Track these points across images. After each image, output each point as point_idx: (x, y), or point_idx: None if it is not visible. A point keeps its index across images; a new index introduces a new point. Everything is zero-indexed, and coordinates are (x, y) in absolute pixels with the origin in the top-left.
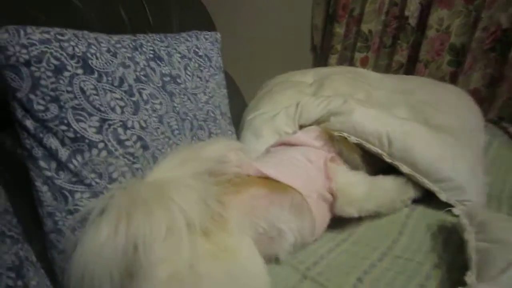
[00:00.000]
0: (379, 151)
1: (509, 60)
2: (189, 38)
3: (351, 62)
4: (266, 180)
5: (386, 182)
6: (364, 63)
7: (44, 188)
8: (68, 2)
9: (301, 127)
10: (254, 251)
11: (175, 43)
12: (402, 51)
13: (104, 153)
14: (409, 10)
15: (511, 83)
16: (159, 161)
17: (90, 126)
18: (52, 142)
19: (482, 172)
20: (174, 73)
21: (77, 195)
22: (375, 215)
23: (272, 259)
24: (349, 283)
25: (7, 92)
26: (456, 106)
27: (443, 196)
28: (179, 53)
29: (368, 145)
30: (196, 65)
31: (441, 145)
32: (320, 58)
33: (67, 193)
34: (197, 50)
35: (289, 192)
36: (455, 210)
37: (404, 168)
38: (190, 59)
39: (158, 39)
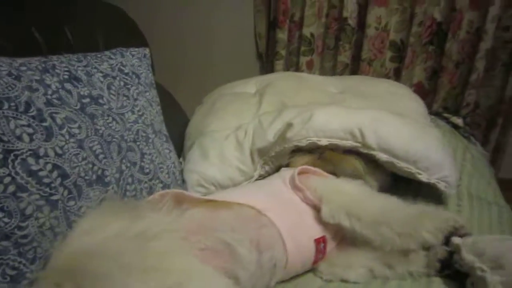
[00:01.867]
0: (354, 144)
1: (445, 52)
2: (112, 56)
3: (297, 67)
4: (207, 202)
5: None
6: (309, 67)
7: None
8: None
9: (259, 151)
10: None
11: (95, 62)
12: (345, 51)
13: (12, 188)
14: (348, 11)
15: (451, 74)
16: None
17: None
18: None
19: (449, 148)
20: (95, 94)
21: None
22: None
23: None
24: None
25: None
26: (400, 96)
27: (423, 177)
28: (101, 72)
29: (342, 142)
30: (122, 83)
31: (409, 127)
32: (267, 65)
33: None
34: (122, 67)
35: (234, 208)
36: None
37: (382, 156)
38: (114, 77)
39: (75, 59)
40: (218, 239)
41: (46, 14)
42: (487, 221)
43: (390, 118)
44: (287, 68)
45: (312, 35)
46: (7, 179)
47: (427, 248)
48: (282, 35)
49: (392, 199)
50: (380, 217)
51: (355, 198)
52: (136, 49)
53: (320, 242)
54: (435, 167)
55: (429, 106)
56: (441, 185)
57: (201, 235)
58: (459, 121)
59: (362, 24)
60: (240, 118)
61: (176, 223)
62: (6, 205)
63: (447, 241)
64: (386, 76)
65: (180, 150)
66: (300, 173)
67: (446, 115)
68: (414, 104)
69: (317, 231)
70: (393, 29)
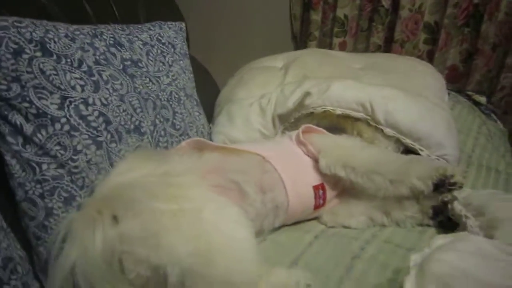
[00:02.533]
0: (365, 116)
1: (481, 34)
2: (152, 28)
3: (330, 47)
4: (222, 148)
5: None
6: (342, 48)
7: (13, 162)
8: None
9: (280, 117)
10: (221, 201)
11: (137, 31)
12: (378, 33)
13: (67, 127)
14: None
15: (487, 56)
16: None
17: (51, 103)
18: (17, 118)
19: (455, 129)
20: (135, 58)
21: (44, 166)
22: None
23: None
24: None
25: None
26: (420, 72)
27: (425, 153)
28: (141, 40)
29: (354, 113)
30: (159, 51)
31: (419, 106)
32: (300, 46)
33: (34, 165)
34: (160, 38)
35: (243, 154)
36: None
37: (388, 131)
38: (152, 46)
39: (120, 28)
40: (229, 178)
41: None
42: (492, 187)
43: (401, 96)
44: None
45: (345, 16)
46: (63, 120)
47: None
48: (316, 16)
49: (386, 151)
50: (373, 166)
51: (350, 151)
52: (173, 22)
53: (318, 189)
54: (436, 145)
55: (463, 88)
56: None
57: (215, 175)
58: (482, 98)
59: (396, 5)
60: (265, 88)
61: (195, 164)
62: (62, 141)
63: (437, 189)
64: (420, 58)
65: (211, 116)
66: (304, 132)
67: (469, 92)
68: (432, 81)
69: (316, 179)
70: (427, 11)
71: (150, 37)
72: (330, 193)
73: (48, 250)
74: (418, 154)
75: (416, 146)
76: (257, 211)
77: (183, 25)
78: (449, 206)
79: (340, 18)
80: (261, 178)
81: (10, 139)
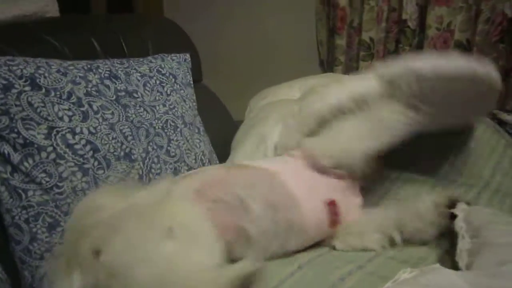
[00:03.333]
0: None
1: None
2: (153, 60)
3: (357, 72)
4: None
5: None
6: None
7: (2, 189)
8: (41, 39)
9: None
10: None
11: (136, 64)
12: (405, 54)
13: (53, 155)
14: (407, 13)
15: None
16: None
17: (38, 133)
18: (6, 148)
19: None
20: (131, 89)
21: (30, 193)
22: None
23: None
24: None
25: None
26: None
27: None
28: (140, 72)
29: None
30: (158, 82)
31: None
32: (327, 71)
33: (21, 191)
34: (160, 69)
35: (250, 168)
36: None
37: None
38: (151, 77)
39: (118, 62)
40: (232, 193)
41: (104, 26)
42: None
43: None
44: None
45: (371, 39)
46: (49, 149)
47: None
48: (340, 41)
49: None
50: None
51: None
52: (177, 54)
53: (331, 204)
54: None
55: (500, 108)
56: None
57: (215, 188)
58: (509, 117)
59: (422, 25)
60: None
61: (192, 176)
62: (48, 169)
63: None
64: None
65: (222, 145)
66: None
67: (495, 111)
68: None
69: (327, 195)
70: (457, 29)
71: (149, 69)
72: (343, 206)
73: (33, 275)
74: None
75: None
76: (261, 228)
77: (187, 56)
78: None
79: (365, 41)
80: (271, 194)
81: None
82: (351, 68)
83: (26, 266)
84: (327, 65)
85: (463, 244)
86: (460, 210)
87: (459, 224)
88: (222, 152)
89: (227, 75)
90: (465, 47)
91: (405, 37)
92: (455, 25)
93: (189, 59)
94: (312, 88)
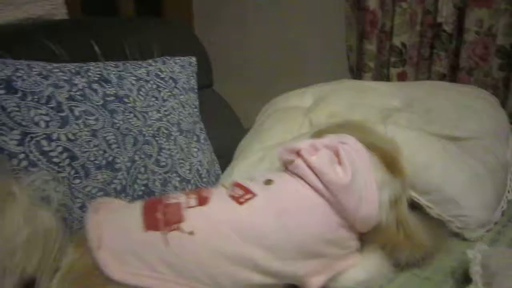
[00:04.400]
0: None
1: None
2: (153, 63)
3: (387, 79)
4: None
5: None
6: (402, 78)
7: None
8: (38, 42)
9: None
10: None
11: (133, 68)
12: (440, 60)
13: (24, 162)
14: (442, 16)
15: None
16: None
17: (11, 139)
18: None
19: (494, 187)
20: (122, 94)
21: None
22: None
23: None
24: None
25: None
26: (473, 111)
27: (433, 211)
28: (135, 76)
29: None
30: (154, 86)
31: (431, 152)
32: (357, 78)
33: None
34: (159, 73)
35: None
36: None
37: None
38: (147, 81)
39: (113, 65)
40: None
41: (108, 29)
42: None
43: (409, 139)
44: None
45: (403, 44)
46: (21, 156)
47: None
48: (369, 46)
49: None
50: None
51: None
52: (181, 58)
53: None
54: (448, 203)
55: None
56: (453, 224)
57: None
58: None
59: (460, 29)
60: (281, 138)
61: None
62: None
63: None
64: (494, 87)
65: (225, 149)
66: None
67: None
68: (488, 122)
69: None
70: (500, 32)
71: (147, 73)
72: None
73: None
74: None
75: (422, 201)
76: None
77: (193, 59)
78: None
79: (396, 46)
80: None
81: None
82: (381, 74)
83: None
84: (356, 72)
85: None
86: (477, 251)
87: (475, 268)
88: (229, 160)
89: (251, 81)
90: (509, 53)
91: (441, 42)
92: (497, 28)
93: (195, 62)
94: (323, 97)
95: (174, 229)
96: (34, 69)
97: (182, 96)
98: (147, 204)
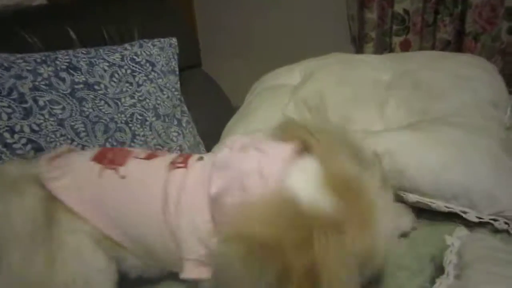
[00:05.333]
0: None
1: None
2: (128, 47)
3: (390, 49)
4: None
5: None
6: (405, 47)
7: None
8: (11, 31)
9: None
10: None
11: (105, 53)
12: (445, 26)
13: None
14: None
15: None
16: None
17: None
18: None
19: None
20: (92, 81)
21: None
22: None
23: None
24: None
25: None
26: (467, 80)
27: (471, 216)
28: (108, 62)
29: None
30: (128, 71)
31: (446, 147)
32: (359, 49)
33: None
34: (135, 57)
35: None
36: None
37: (410, 197)
38: (121, 66)
39: (84, 52)
40: None
41: (87, 14)
42: None
43: (416, 142)
44: (379, 51)
45: (405, 11)
46: None
47: None
48: (370, 14)
49: None
50: None
51: None
52: (161, 39)
53: None
54: (484, 200)
55: None
56: (499, 224)
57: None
58: None
59: None
60: (264, 123)
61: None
62: None
63: None
64: (502, 52)
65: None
66: None
67: None
68: (484, 92)
69: None
70: None
71: (121, 57)
72: None
73: None
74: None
75: (455, 208)
76: None
77: (174, 40)
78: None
79: (399, 13)
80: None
81: None
82: (383, 44)
83: None
84: (358, 42)
85: (445, 282)
86: (456, 237)
87: (449, 257)
88: (217, 141)
89: (249, 57)
90: None
91: (445, 7)
92: None
93: (175, 43)
94: (311, 73)
95: (112, 168)
96: None
97: (160, 80)
98: (109, 148)
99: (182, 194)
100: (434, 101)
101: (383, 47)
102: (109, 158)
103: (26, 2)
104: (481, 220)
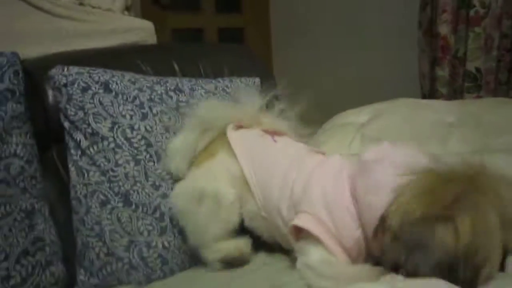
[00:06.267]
0: None
1: None
2: (221, 81)
3: None
4: None
5: None
6: None
7: (72, 168)
8: (132, 62)
9: None
10: None
11: (203, 83)
12: None
13: (112, 145)
14: None
15: None
16: None
17: (104, 126)
18: (78, 136)
19: None
20: (192, 102)
21: (91, 173)
22: None
23: None
24: None
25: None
26: None
27: None
28: (204, 89)
29: None
30: (220, 98)
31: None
32: None
33: (84, 171)
34: (226, 88)
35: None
36: None
37: None
38: (214, 94)
39: (187, 80)
40: None
41: (186, 53)
42: None
43: None
44: None
45: (477, 70)
46: (110, 139)
47: None
48: (441, 72)
49: None
50: None
51: None
52: (247, 78)
53: None
54: None
55: None
56: None
57: None
58: None
59: None
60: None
61: None
62: (107, 155)
63: None
64: None
65: None
66: None
67: None
68: None
69: None
70: None
71: (215, 87)
72: None
73: (83, 242)
74: None
75: None
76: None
77: (257, 80)
78: None
79: (471, 72)
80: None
81: (72, 151)
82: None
83: (79, 234)
84: (429, 98)
85: None
86: None
87: None
88: None
89: (320, 102)
90: None
91: None
92: None
93: (259, 82)
94: (378, 114)
95: (271, 135)
96: (125, 76)
97: None
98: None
99: (318, 168)
100: (494, 137)
101: None
102: (272, 132)
103: (141, 42)
104: None
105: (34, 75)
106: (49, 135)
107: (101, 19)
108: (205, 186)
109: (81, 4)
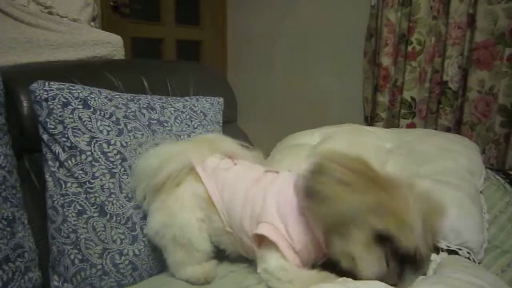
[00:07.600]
0: None
1: None
2: (188, 99)
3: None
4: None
5: None
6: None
7: (50, 179)
8: (103, 76)
9: None
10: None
11: (173, 101)
12: (446, 115)
13: (90, 158)
14: (448, 75)
15: None
16: None
17: (82, 140)
18: (57, 148)
19: (478, 211)
20: (163, 119)
21: (68, 184)
22: None
23: None
24: None
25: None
26: (451, 152)
27: (442, 244)
28: (174, 107)
29: None
30: (188, 116)
31: None
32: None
33: (62, 182)
34: (193, 107)
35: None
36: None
37: None
38: (183, 112)
39: (157, 98)
40: None
41: (155, 69)
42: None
43: None
44: None
45: (413, 99)
46: (88, 153)
47: None
48: (382, 98)
49: None
50: None
51: None
52: (212, 97)
53: None
54: (452, 233)
55: None
56: (463, 252)
57: None
58: None
59: (464, 87)
60: None
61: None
62: (84, 168)
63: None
64: (496, 142)
65: None
66: None
67: (510, 171)
68: (462, 161)
69: None
70: (502, 93)
71: (183, 106)
72: None
73: (59, 249)
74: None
75: None
76: None
77: (221, 100)
78: None
79: (406, 100)
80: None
81: (50, 163)
82: (392, 124)
83: (55, 242)
84: (370, 121)
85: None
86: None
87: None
88: None
89: (273, 121)
90: (510, 112)
91: (446, 98)
92: (498, 89)
93: (222, 102)
94: (328, 136)
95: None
96: (102, 93)
97: (209, 127)
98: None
99: (272, 184)
100: (423, 165)
101: (392, 127)
102: (231, 156)
103: (109, 56)
104: (449, 248)
105: (8, 84)
106: (21, 144)
107: (71, 30)
108: (178, 233)
109: (49, 12)
